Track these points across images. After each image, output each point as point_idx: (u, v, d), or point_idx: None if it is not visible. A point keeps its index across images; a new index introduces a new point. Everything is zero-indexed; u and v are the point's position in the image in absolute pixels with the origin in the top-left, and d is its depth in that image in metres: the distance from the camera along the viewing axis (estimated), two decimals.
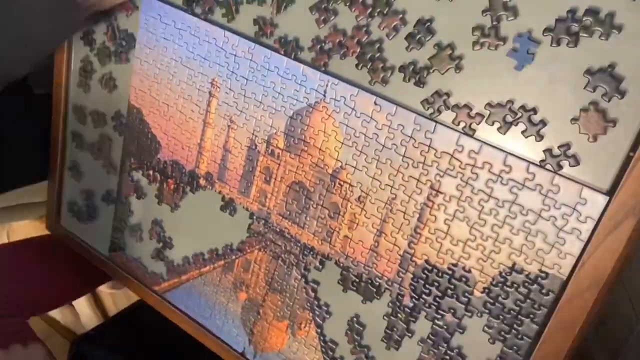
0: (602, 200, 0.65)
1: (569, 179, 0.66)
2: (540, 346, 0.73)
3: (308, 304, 0.92)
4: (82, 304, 1.88)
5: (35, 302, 1.37)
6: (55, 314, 1.92)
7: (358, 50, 0.77)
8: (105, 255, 1.22)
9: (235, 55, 0.89)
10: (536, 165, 0.67)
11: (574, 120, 0.64)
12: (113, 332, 1.49)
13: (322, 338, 0.92)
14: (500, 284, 0.73)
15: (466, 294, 0.76)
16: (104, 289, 1.89)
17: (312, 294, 0.91)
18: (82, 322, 1.87)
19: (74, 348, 1.41)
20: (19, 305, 1.28)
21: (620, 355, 1.00)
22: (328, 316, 0.91)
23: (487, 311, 0.75)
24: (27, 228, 1.67)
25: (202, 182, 1.00)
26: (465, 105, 0.71)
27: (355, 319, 0.89)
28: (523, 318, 0.73)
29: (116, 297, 1.93)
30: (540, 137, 0.67)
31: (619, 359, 0.98)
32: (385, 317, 0.84)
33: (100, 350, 1.40)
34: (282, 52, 0.84)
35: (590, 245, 0.67)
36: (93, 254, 1.25)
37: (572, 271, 0.68)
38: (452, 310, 0.78)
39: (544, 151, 0.67)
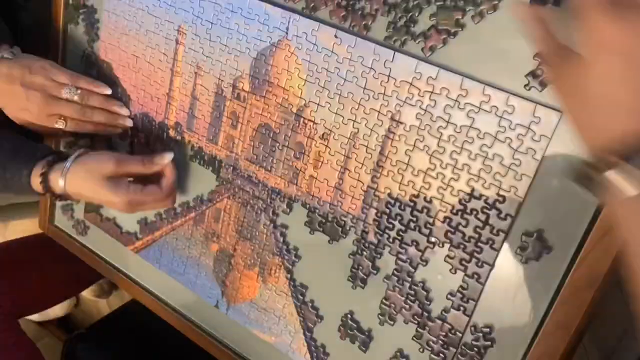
0: (555, 117, 0.65)
1: (523, 97, 0.66)
2: (536, 346, 0.73)
3: (277, 249, 0.93)
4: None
5: (27, 302, 1.37)
6: (45, 316, 1.91)
7: None
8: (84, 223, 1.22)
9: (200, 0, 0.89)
10: (492, 87, 0.67)
11: None
12: (105, 331, 1.49)
13: (292, 283, 0.93)
14: (460, 212, 0.74)
15: (428, 225, 0.77)
16: (88, 296, 1.88)
17: (281, 239, 0.92)
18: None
19: (66, 348, 1.41)
20: (11, 305, 1.28)
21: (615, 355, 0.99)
22: (297, 260, 0.91)
23: (448, 241, 0.76)
24: (25, 226, 1.65)
25: (171, 132, 1.00)
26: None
27: (323, 260, 0.89)
28: (482, 245, 0.73)
29: (100, 305, 1.92)
30: None
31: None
32: (350, 256, 0.84)
33: (92, 349, 1.41)
34: None
35: (586, 246, 0.67)
36: (84, 251, 1.26)
37: (571, 265, 0.69)
38: (414, 243, 0.78)
39: None
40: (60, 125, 0.99)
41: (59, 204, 1.26)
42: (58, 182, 0.91)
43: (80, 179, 0.91)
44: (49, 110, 0.97)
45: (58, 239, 1.30)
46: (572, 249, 0.68)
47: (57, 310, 1.91)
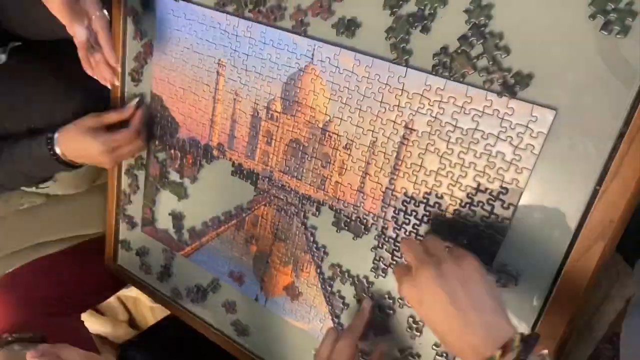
0: (550, 115, 0.63)
1: (521, 100, 0.64)
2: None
3: (308, 248, 0.90)
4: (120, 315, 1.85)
5: (81, 301, 1.35)
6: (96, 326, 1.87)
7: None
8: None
9: (236, 35, 0.88)
10: (493, 92, 0.65)
11: None
12: (157, 338, 1.45)
13: (321, 276, 0.90)
14: (468, 205, 0.71)
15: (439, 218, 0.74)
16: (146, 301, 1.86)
17: (311, 238, 0.90)
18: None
19: (120, 351, 1.38)
20: (69, 305, 1.26)
21: None
22: (325, 255, 0.88)
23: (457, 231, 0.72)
24: None
25: (215, 152, 0.98)
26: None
27: (348, 255, 0.87)
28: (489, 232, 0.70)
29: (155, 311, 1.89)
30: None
31: None
32: (372, 250, 0.82)
33: (145, 354, 1.37)
34: (271, 22, 0.83)
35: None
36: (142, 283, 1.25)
37: (568, 255, 0.67)
38: (428, 234, 0.75)
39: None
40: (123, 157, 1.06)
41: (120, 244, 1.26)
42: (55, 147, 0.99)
43: (69, 138, 1.00)
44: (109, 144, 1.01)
45: (122, 276, 1.29)
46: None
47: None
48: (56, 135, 0.99)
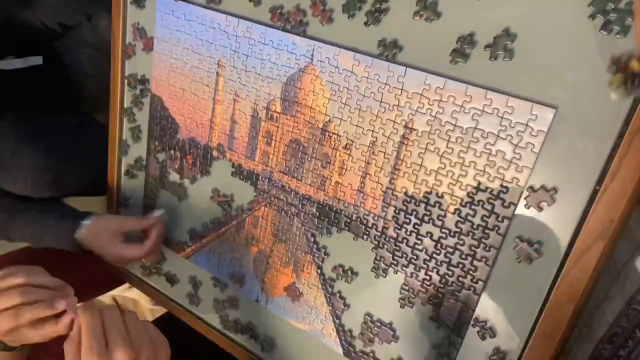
0: (549, 114, 0.63)
1: (521, 98, 0.64)
2: (526, 354, 0.72)
3: (308, 248, 0.90)
4: None
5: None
6: None
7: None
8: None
9: (236, 36, 0.88)
10: (493, 91, 0.65)
11: None
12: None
13: (321, 277, 0.90)
14: (468, 204, 0.71)
15: (440, 217, 0.74)
16: (146, 303, 1.85)
17: (312, 239, 0.89)
18: None
19: None
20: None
21: None
22: (326, 257, 0.88)
23: (458, 230, 0.73)
24: None
25: (215, 153, 0.98)
26: None
27: (349, 255, 0.87)
28: (489, 231, 0.70)
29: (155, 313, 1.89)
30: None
31: None
32: (373, 250, 0.82)
33: None
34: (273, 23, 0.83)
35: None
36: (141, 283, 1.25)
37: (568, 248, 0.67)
38: (429, 234, 0.75)
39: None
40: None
41: None
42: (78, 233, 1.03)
43: (92, 236, 1.04)
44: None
45: (121, 275, 1.28)
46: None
47: None
48: (84, 224, 1.04)
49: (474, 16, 0.66)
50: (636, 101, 0.58)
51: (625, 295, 0.71)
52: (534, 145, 0.65)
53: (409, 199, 0.77)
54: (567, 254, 0.65)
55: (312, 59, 0.81)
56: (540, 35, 0.62)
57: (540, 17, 0.62)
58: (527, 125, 0.65)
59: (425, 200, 0.75)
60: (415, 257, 0.78)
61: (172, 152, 1.07)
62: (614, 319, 0.73)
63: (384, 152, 0.77)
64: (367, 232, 0.82)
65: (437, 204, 0.74)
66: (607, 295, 0.75)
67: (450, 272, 0.76)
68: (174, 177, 1.07)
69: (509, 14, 0.64)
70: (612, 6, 0.57)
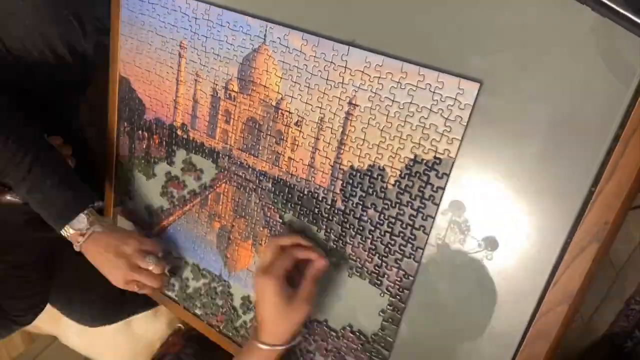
0: (474, 88, 0.67)
1: (449, 73, 0.68)
2: (522, 352, 0.73)
3: (265, 222, 0.94)
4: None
5: None
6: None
7: None
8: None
9: (196, 18, 0.92)
10: (425, 67, 0.70)
11: None
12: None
13: None
14: (406, 175, 0.76)
15: (382, 189, 0.78)
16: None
17: (268, 213, 0.93)
18: None
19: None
20: None
21: None
22: (282, 230, 0.92)
23: (399, 201, 0.77)
24: None
25: (179, 132, 1.02)
26: None
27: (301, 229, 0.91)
28: (426, 201, 0.75)
29: None
30: None
31: None
32: (323, 222, 0.86)
33: None
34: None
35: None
36: None
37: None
38: (373, 205, 0.80)
39: None
40: (134, 289, 1.04)
41: None
42: (78, 239, 1.00)
43: (94, 250, 1.01)
44: (130, 277, 1.02)
45: None
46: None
47: None
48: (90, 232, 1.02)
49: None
50: (632, 102, 0.56)
51: (625, 295, 0.70)
52: (462, 117, 0.69)
53: (354, 172, 0.81)
54: (560, 256, 0.65)
55: (265, 40, 0.85)
56: (540, 35, 0.62)
57: (540, 17, 0.62)
58: (455, 99, 0.69)
59: (369, 173, 0.79)
60: (361, 227, 0.82)
61: (140, 132, 1.11)
62: (614, 318, 0.73)
63: (331, 128, 0.81)
64: (317, 206, 0.87)
65: (380, 177, 0.79)
66: (607, 295, 0.75)
67: (392, 242, 0.80)
68: (142, 156, 1.12)
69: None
70: None
